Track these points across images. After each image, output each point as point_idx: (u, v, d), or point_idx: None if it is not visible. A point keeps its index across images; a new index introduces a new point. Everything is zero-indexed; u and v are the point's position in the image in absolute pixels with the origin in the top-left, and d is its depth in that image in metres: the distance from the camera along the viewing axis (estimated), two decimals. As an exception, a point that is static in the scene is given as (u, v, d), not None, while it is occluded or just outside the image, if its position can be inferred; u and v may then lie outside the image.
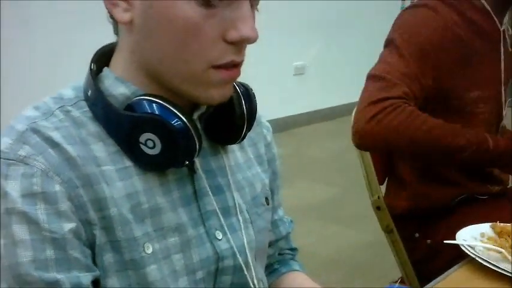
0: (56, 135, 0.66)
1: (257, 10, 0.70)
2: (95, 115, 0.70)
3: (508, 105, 1.50)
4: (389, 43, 1.35)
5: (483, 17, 1.39)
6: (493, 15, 1.40)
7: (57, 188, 0.63)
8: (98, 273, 0.66)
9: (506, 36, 1.47)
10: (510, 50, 1.48)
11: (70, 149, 0.66)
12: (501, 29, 1.42)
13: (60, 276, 0.62)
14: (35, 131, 0.66)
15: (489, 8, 1.39)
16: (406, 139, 1.24)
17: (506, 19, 1.45)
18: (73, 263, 0.63)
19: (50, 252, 0.62)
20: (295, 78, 4.66)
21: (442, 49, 1.31)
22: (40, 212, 0.62)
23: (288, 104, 4.36)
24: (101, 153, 0.68)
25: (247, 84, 0.79)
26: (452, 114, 1.34)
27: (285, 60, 4.51)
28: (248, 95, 0.78)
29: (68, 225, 0.63)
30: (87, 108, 0.70)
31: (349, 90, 4.86)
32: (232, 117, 0.76)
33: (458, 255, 1.14)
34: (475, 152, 1.26)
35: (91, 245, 0.66)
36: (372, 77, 1.31)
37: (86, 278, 0.64)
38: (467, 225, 1.12)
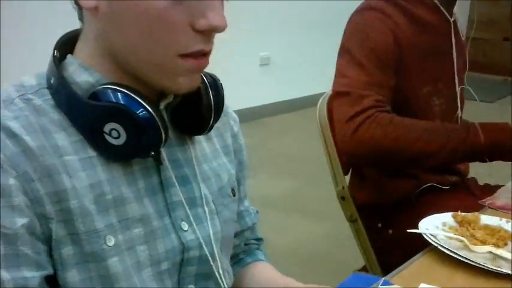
0: (15, 125, 0.64)
1: None
2: (58, 103, 0.68)
3: (466, 96, 1.54)
4: (343, 52, 1.37)
5: (431, 11, 1.41)
6: (442, 9, 1.42)
7: (12, 181, 0.61)
8: (50, 271, 0.65)
9: (458, 26, 1.50)
10: (463, 38, 1.51)
11: (29, 139, 0.64)
12: (451, 20, 1.45)
13: (5, 274, 0.60)
14: None
15: (437, 1, 1.41)
16: (393, 152, 1.25)
17: (455, 9, 1.48)
18: (23, 260, 0.61)
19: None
20: (260, 68, 4.66)
21: (392, 50, 1.33)
22: None
23: (253, 94, 4.35)
24: (63, 142, 0.66)
25: (214, 75, 0.78)
26: (407, 111, 1.37)
27: (251, 51, 4.50)
28: (216, 85, 0.77)
29: (21, 221, 0.61)
30: (49, 96, 0.68)
31: (314, 81, 4.90)
32: (199, 108, 0.75)
33: (419, 245, 1.16)
34: (468, 152, 1.27)
35: (47, 240, 0.64)
36: (337, 95, 1.33)
37: (34, 279, 0.62)
38: (428, 215, 1.15)
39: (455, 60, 1.47)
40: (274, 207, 2.97)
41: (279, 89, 4.75)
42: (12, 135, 0.63)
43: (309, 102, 4.55)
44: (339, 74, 1.36)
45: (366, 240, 1.49)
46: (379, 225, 1.48)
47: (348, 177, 1.55)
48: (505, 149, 1.29)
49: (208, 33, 0.66)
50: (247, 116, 4.01)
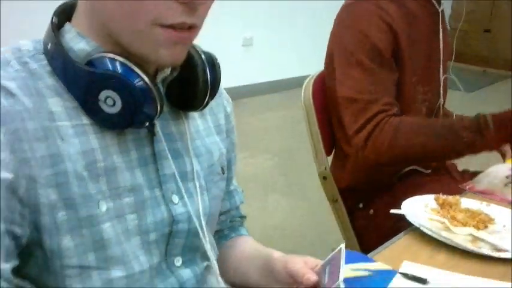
0: (12, 85, 0.63)
1: None
2: (54, 69, 0.67)
3: (448, 86, 1.55)
4: (341, 50, 1.35)
5: (421, 2, 1.41)
6: None
7: (1, 136, 0.60)
8: (25, 231, 0.62)
9: (445, 15, 1.51)
10: (448, 28, 1.52)
11: (26, 100, 0.63)
12: (439, 10, 1.46)
13: None
14: None
15: None
16: (404, 155, 1.29)
17: None
18: None
19: None
20: (243, 49, 4.63)
21: (391, 45, 1.33)
22: None
23: (235, 74, 4.32)
24: (57, 108, 0.65)
25: (212, 54, 0.78)
26: (399, 101, 1.37)
27: (234, 31, 4.46)
28: (213, 63, 0.76)
29: (4, 175, 0.60)
30: (45, 62, 0.67)
31: (297, 63, 4.91)
32: (195, 84, 0.74)
33: (399, 226, 1.18)
34: (477, 146, 1.26)
35: (30, 204, 0.62)
36: (345, 101, 1.33)
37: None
38: (409, 197, 1.16)
39: (441, 49, 1.48)
40: (254, 185, 2.98)
41: (262, 70, 4.73)
42: (10, 94, 0.62)
43: (291, 84, 4.57)
44: (342, 75, 1.35)
45: (347, 220, 1.51)
46: (361, 205, 1.49)
47: (330, 158, 1.56)
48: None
49: (191, 5, 0.64)
50: (229, 95, 3.99)
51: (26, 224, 0.63)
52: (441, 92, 1.52)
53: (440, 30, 1.47)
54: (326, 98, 1.47)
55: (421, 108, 1.46)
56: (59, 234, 0.64)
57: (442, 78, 1.50)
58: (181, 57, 0.70)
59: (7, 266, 0.59)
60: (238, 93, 4.35)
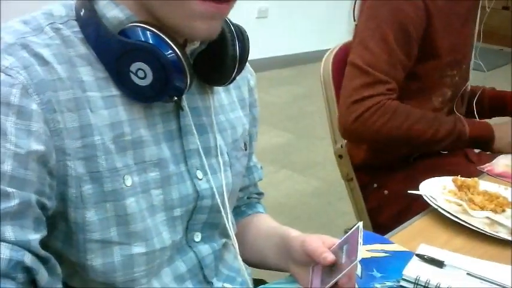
0: (47, 53, 0.62)
1: None
2: (86, 36, 0.66)
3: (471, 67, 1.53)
4: (370, 16, 1.33)
5: None
6: None
7: (34, 107, 0.60)
8: (53, 204, 0.63)
9: None
10: (487, 9, 1.48)
11: (60, 69, 0.62)
12: None
13: (12, 191, 0.57)
14: (24, 45, 0.61)
15: None
16: (389, 138, 1.31)
17: None
18: (28, 185, 0.59)
19: (7, 167, 0.57)
20: (257, 21, 4.57)
21: (422, 24, 1.31)
22: (10, 125, 0.58)
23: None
24: (88, 78, 0.65)
25: (242, 27, 0.76)
26: (420, 83, 1.38)
27: (248, 2, 4.40)
28: (242, 36, 0.75)
29: (36, 146, 0.59)
30: (78, 29, 0.66)
31: (312, 37, 4.84)
32: (224, 58, 0.73)
33: (414, 207, 1.18)
34: (453, 141, 1.33)
35: (59, 176, 0.63)
36: (356, 67, 1.31)
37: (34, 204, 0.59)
38: (424, 178, 1.15)
39: (476, 29, 1.45)
40: (265, 160, 2.98)
41: (276, 44, 4.68)
42: (44, 62, 0.61)
43: (307, 58, 4.51)
44: (362, 42, 1.33)
45: (361, 200, 1.50)
46: (375, 185, 1.48)
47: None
48: (485, 142, 1.38)
49: None
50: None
51: (54, 196, 0.63)
52: (470, 75, 1.50)
53: (479, 11, 1.43)
54: None
55: (447, 92, 1.44)
56: (83, 208, 0.64)
57: (472, 60, 1.48)
58: (217, 30, 0.68)
59: (37, 237, 0.59)
60: (252, 67, 4.32)
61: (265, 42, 4.55)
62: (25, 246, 0.57)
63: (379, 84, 1.29)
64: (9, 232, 0.56)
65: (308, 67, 3.64)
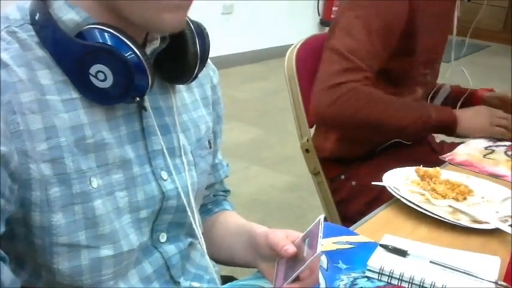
0: (5, 56, 0.61)
1: None
2: (43, 40, 0.64)
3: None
4: (355, 7, 1.34)
5: None
6: None
7: None
8: (11, 207, 0.62)
9: None
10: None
11: (19, 71, 0.61)
12: None
13: None
14: None
15: None
16: (361, 124, 1.32)
17: None
18: None
19: None
20: (223, 17, 4.56)
21: (405, 20, 1.33)
22: None
23: (214, 44, 4.25)
24: (47, 81, 0.64)
25: (200, 23, 0.76)
26: (395, 80, 1.40)
27: (213, -2, 4.39)
28: (202, 33, 0.75)
29: None
30: (33, 33, 0.65)
31: (278, 32, 4.85)
32: (185, 56, 0.73)
33: (380, 198, 1.19)
34: (421, 128, 1.36)
35: (20, 179, 0.61)
36: (336, 53, 1.32)
37: None
38: (391, 168, 1.17)
39: (455, 25, 1.48)
40: (235, 156, 2.98)
41: (242, 40, 4.67)
42: (4, 65, 0.61)
43: (274, 53, 4.52)
44: (345, 29, 1.34)
45: (328, 193, 1.52)
46: (343, 177, 1.50)
47: (312, 130, 1.56)
48: (449, 127, 1.40)
49: None
50: (209, 65, 3.94)
51: (13, 199, 0.62)
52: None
53: (456, 12, 1.46)
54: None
55: (418, 90, 1.47)
56: (49, 211, 0.64)
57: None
58: (184, 22, 0.68)
59: None
60: (218, 64, 4.29)
61: (232, 38, 4.55)
62: None
63: (358, 71, 1.30)
64: None
65: (276, 62, 3.65)
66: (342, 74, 1.29)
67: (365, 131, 1.38)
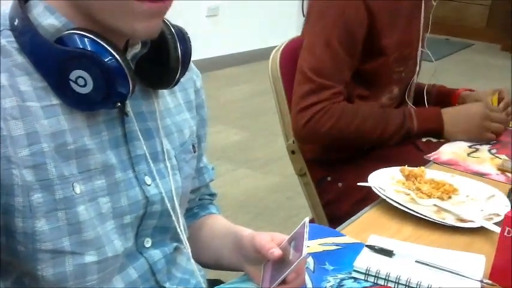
0: None
1: None
2: (22, 46, 0.64)
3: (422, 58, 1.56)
4: (318, 17, 1.36)
5: None
6: None
7: None
8: None
9: None
10: (433, 2, 1.52)
11: (1, 77, 0.61)
12: None
13: None
14: None
15: None
16: (339, 138, 1.36)
17: None
18: None
19: None
20: (208, 20, 4.55)
21: (365, 24, 1.34)
22: None
23: (199, 47, 4.25)
24: (26, 88, 0.63)
25: (182, 27, 0.76)
26: (370, 81, 1.42)
27: (198, 1, 4.37)
28: (183, 38, 0.74)
29: None
30: (12, 39, 0.64)
31: (264, 34, 4.85)
32: (166, 61, 0.73)
33: (367, 198, 1.20)
34: (403, 136, 1.38)
35: (4, 185, 0.61)
36: (301, 73, 1.36)
37: None
38: (377, 168, 1.17)
39: (422, 22, 1.48)
40: (222, 158, 2.98)
41: (228, 42, 4.67)
42: None
43: (259, 55, 4.52)
44: (307, 47, 1.37)
45: (315, 194, 1.52)
46: (329, 178, 1.50)
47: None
48: (435, 133, 1.43)
49: None
50: (194, 68, 3.93)
51: None
52: (417, 68, 1.53)
53: (423, 5, 1.47)
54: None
55: (394, 89, 1.48)
56: (33, 217, 0.63)
57: (419, 53, 1.51)
58: (157, 29, 0.68)
59: None
60: (203, 67, 4.28)
61: (217, 41, 4.54)
62: None
63: (323, 90, 1.33)
64: None
65: (262, 64, 3.66)
66: (309, 95, 1.34)
67: (346, 143, 1.41)
